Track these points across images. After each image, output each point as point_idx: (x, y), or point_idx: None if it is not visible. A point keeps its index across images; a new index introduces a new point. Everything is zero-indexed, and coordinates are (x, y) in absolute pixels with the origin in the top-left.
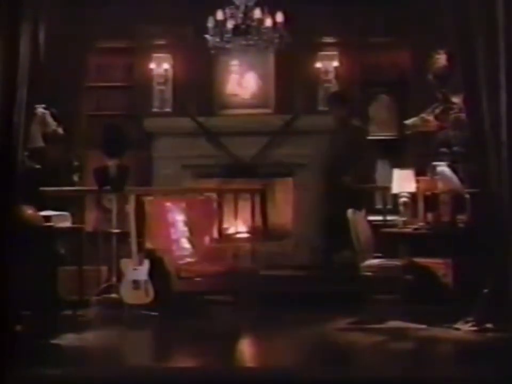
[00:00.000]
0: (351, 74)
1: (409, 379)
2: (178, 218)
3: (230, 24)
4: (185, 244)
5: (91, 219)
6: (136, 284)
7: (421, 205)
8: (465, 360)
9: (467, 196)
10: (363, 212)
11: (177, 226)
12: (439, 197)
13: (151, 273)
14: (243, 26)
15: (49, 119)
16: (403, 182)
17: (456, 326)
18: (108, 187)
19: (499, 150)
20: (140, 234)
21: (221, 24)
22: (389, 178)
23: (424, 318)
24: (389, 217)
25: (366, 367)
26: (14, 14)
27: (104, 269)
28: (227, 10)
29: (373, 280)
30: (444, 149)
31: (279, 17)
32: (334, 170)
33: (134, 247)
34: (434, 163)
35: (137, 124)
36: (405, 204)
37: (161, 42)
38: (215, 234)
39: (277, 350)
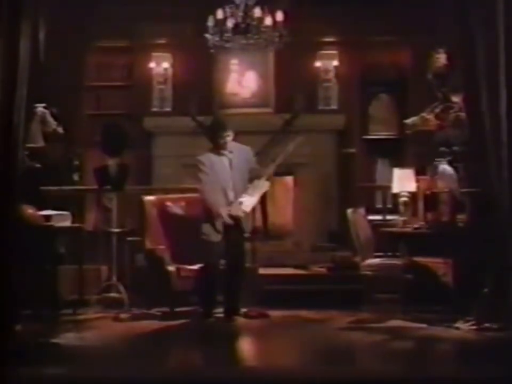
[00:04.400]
0: (351, 74)
1: (409, 379)
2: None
3: (230, 23)
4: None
5: (91, 218)
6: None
7: (421, 205)
8: (465, 360)
9: (462, 197)
10: (363, 211)
11: (177, 225)
12: (439, 197)
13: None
14: (243, 25)
15: (49, 119)
16: (403, 181)
17: (456, 325)
18: (108, 186)
19: (499, 150)
20: (140, 233)
21: (221, 23)
22: (389, 178)
23: (424, 318)
24: (389, 217)
25: (365, 366)
26: (14, 14)
27: (104, 268)
28: (227, 9)
29: (373, 279)
30: (443, 148)
31: (279, 16)
32: None
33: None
34: (435, 162)
35: (137, 123)
36: (405, 203)
37: (161, 41)
38: None
39: (276, 349)
